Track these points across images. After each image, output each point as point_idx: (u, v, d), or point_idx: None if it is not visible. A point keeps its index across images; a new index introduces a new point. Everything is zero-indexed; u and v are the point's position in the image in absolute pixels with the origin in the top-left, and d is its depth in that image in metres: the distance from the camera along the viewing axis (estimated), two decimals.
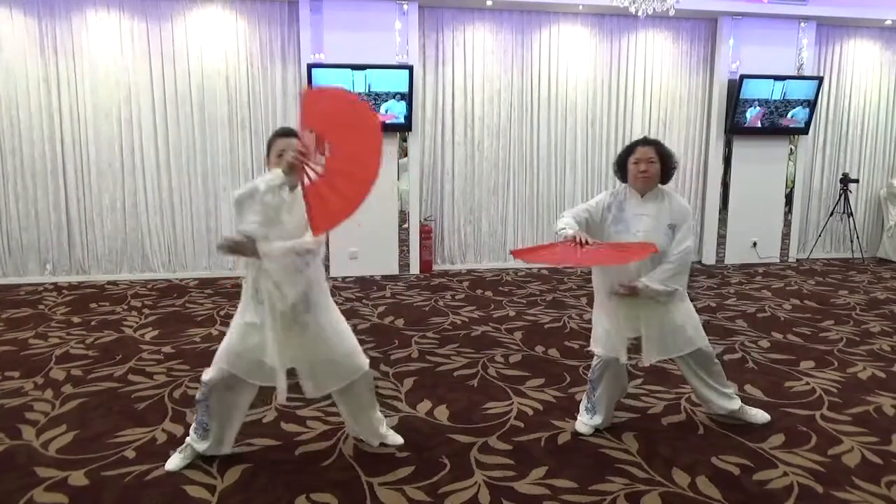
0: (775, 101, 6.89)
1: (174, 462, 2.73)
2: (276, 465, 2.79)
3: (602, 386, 3.05)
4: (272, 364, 2.56)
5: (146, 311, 5.19)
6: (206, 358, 4.06)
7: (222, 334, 4.49)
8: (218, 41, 6.14)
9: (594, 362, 3.09)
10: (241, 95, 6.26)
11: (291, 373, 2.65)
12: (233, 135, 6.30)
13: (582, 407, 3.16)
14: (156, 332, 4.61)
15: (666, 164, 2.96)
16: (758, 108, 6.88)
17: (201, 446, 2.74)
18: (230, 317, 4.96)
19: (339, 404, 2.90)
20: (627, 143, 7.51)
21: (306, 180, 2.31)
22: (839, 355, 4.22)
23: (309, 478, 2.68)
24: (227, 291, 5.83)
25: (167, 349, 4.24)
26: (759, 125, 6.97)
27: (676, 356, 3.02)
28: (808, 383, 3.74)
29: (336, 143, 2.32)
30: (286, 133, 2.60)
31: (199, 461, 2.78)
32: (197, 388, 3.58)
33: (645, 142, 2.98)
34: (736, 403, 3.16)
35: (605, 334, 2.99)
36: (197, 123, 6.23)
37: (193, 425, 2.76)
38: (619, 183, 3.08)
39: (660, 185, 2.99)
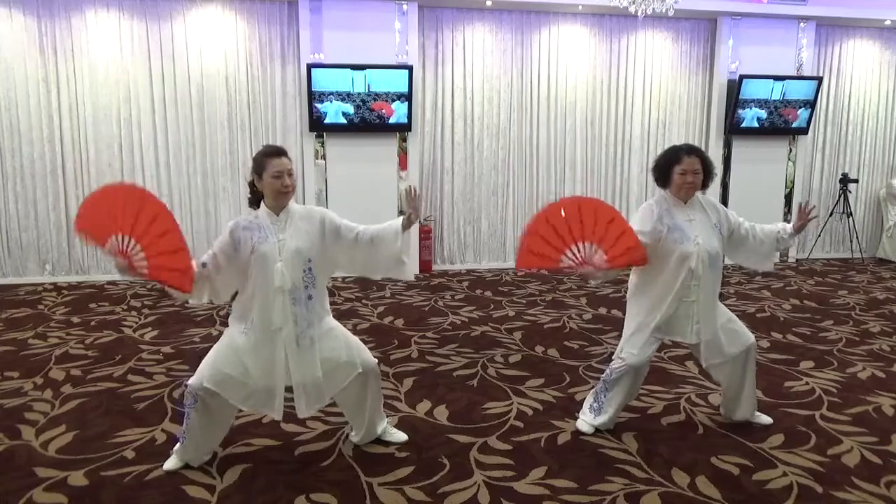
0: (775, 101, 6.90)
1: (172, 462, 2.73)
2: (275, 465, 2.79)
3: (617, 389, 3.03)
4: (262, 386, 2.61)
5: (145, 311, 5.19)
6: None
7: (222, 334, 4.51)
8: (217, 41, 6.14)
9: (616, 364, 3.02)
10: (241, 95, 6.26)
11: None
12: (232, 135, 6.30)
13: (586, 405, 3.14)
14: (155, 333, 4.61)
15: (708, 173, 2.95)
16: (755, 108, 6.88)
17: (170, 462, 2.72)
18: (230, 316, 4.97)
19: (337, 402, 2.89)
20: (626, 143, 7.48)
21: (144, 271, 2.49)
22: (839, 355, 4.22)
23: (308, 478, 2.68)
24: None
25: (167, 349, 4.24)
26: (758, 125, 6.97)
27: (736, 353, 2.99)
28: (807, 383, 3.74)
29: (131, 232, 2.47)
30: (279, 153, 2.58)
31: None
32: None
33: (690, 151, 2.91)
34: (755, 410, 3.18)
35: (644, 340, 2.95)
36: (196, 123, 6.22)
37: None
38: (659, 191, 3.02)
39: None
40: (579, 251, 2.77)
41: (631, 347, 2.98)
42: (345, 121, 6.13)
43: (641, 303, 3.00)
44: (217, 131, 6.27)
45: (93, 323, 4.84)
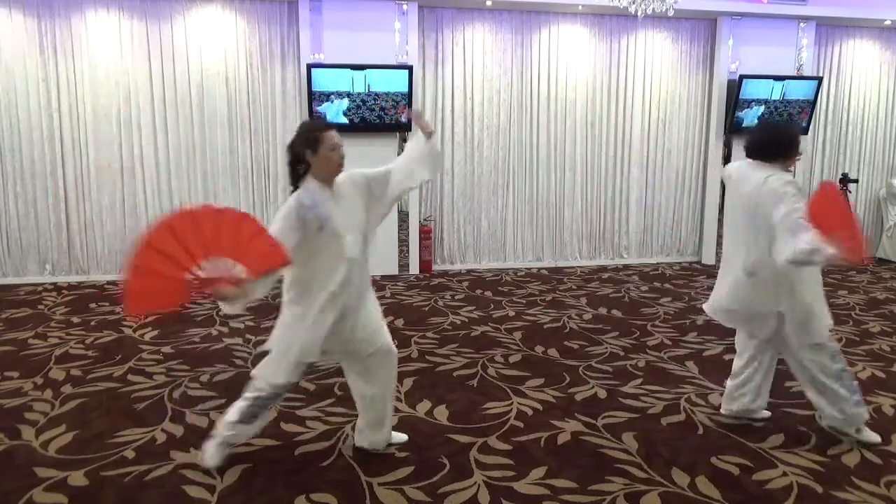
0: (775, 101, 6.90)
1: (215, 456, 2.72)
2: (275, 465, 2.79)
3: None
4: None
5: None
6: (204, 358, 4.07)
7: (222, 334, 4.53)
8: (217, 41, 6.13)
9: (835, 347, 3.01)
10: (241, 96, 6.25)
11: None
12: (232, 135, 6.29)
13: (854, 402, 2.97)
14: (155, 333, 4.61)
15: None
16: (756, 107, 6.87)
17: (251, 430, 2.76)
18: (229, 317, 4.98)
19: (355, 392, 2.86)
20: (626, 143, 7.48)
21: (243, 275, 2.25)
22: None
23: (308, 478, 2.68)
24: None
25: (167, 349, 4.24)
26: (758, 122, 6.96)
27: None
28: None
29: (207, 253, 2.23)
30: (331, 126, 2.66)
31: (200, 461, 2.78)
32: (196, 388, 3.59)
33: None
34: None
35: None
36: (196, 124, 6.22)
37: (236, 416, 2.68)
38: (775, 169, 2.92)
39: None
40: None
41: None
42: (346, 120, 6.12)
43: (814, 280, 3.02)
44: (217, 131, 6.26)
45: (93, 323, 4.84)
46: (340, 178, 2.65)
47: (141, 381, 3.70)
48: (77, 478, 2.65)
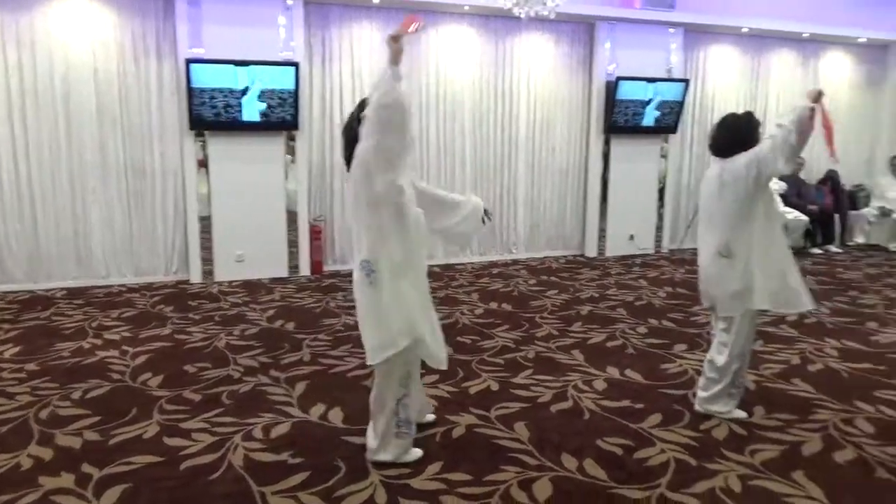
0: (649, 101, 7.33)
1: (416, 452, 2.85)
2: (158, 482, 2.63)
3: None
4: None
5: (6, 325, 4.72)
6: (75, 374, 3.78)
7: (95, 347, 4.23)
8: (84, 32, 5.66)
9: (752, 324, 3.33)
10: (112, 89, 5.82)
11: None
12: (103, 130, 5.84)
13: (724, 393, 3.26)
14: (17, 349, 4.20)
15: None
16: (650, 107, 7.30)
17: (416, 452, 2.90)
18: (103, 328, 4.65)
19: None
20: (513, 142, 7.63)
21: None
22: (708, 338, 4.56)
23: (196, 493, 2.55)
24: (100, 301, 5.42)
25: (31, 366, 3.88)
26: (654, 124, 7.39)
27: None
28: (680, 365, 4.02)
29: None
30: None
31: (74, 485, 2.58)
32: (66, 407, 3.33)
33: None
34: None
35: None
36: (61, 117, 5.72)
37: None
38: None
39: None
40: None
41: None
42: (258, 118, 5.92)
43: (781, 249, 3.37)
44: (85, 126, 5.79)
45: None
46: None
47: (1, 402, 3.36)
48: None
